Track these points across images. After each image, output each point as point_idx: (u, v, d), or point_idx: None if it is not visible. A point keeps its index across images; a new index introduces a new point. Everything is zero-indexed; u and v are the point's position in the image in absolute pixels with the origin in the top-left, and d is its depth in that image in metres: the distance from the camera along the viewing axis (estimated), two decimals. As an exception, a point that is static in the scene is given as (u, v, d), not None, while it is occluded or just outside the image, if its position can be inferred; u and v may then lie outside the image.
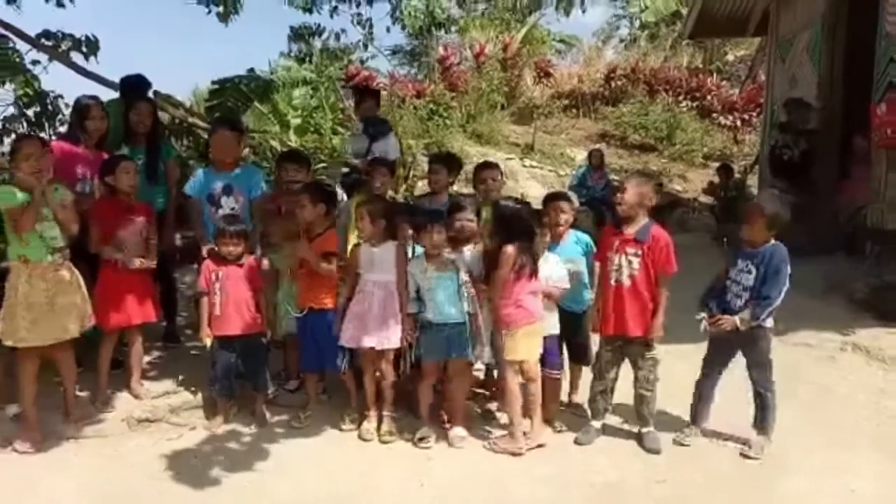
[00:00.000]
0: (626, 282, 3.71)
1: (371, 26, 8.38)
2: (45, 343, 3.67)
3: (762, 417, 3.71)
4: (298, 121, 9.46)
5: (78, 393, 4.04)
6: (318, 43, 10.46)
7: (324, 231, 4.04)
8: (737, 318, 3.58)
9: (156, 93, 6.33)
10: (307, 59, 10.82)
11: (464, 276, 3.82)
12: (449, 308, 3.81)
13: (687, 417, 3.91)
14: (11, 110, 5.92)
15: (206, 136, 7.11)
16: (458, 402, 3.96)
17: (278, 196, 4.52)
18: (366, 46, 9.50)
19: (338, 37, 8.93)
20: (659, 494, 3.35)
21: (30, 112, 5.91)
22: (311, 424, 4.00)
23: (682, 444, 3.76)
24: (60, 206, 3.71)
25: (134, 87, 5.07)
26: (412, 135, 10.68)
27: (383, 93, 10.05)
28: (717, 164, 11.22)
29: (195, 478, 3.43)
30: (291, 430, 3.94)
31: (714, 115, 13.93)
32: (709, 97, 14.14)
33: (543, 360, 3.89)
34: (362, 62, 12.56)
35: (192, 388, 4.34)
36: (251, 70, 9.41)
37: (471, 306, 3.82)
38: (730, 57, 17.02)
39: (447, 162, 4.76)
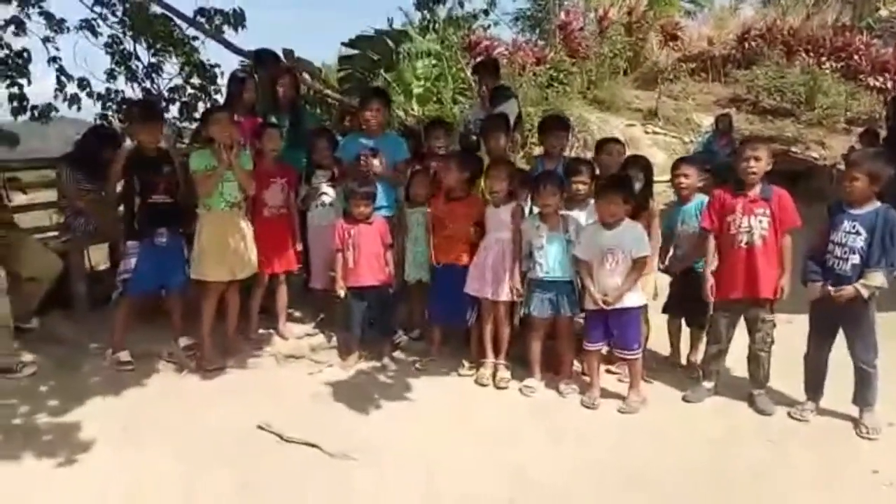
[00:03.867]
0: (759, 243, 3.71)
1: (495, -8, 8.51)
2: (220, 279, 4.31)
3: (862, 394, 3.59)
4: (421, 90, 9.79)
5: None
6: (442, 11, 10.71)
7: (465, 196, 4.39)
8: (860, 287, 3.46)
9: (297, 59, 6.90)
10: (431, 27, 11.10)
11: (574, 237, 4.01)
12: (558, 266, 4.02)
13: (799, 389, 3.85)
14: (177, 81, 6.71)
15: (336, 105, 7.66)
16: (567, 356, 4.19)
17: (427, 158, 4.91)
18: (486, 13, 9.63)
19: (462, 4, 9.13)
20: (770, 455, 3.41)
21: (192, 81, 6.68)
22: (432, 369, 4.39)
23: (799, 420, 3.71)
24: (242, 171, 4.32)
25: (266, 59, 5.59)
26: (531, 102, 10.70)
27: (503, 61, 10.16)
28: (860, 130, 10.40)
29: (334, 404, 3.92)
30: (415, 372, 4.34)
31: (861, 76, 12.79)
32: (856, 57, 12.99)
33: (616, 341, 3.96)
34: (485, 29, 12.67)
35: (328, 332, 4.86)
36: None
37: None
38: (883, 12, 15.41)
39: (567, 126, 4.91)
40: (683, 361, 4.45)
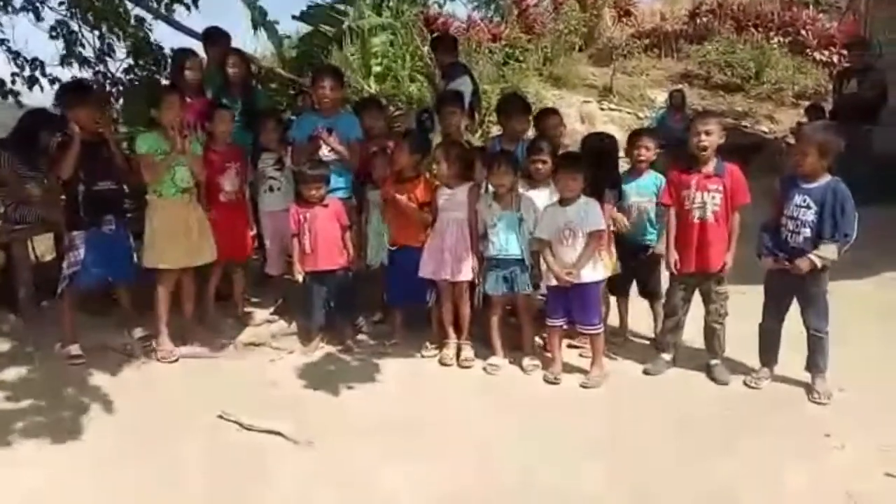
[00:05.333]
0: (711, 218, 3.78)
1: (450, -33, 8.36)
2: (174, 267, 4.18)
3: (814, 360, 3.70)
4: (379, 68, 9.63)
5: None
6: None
7: (415, 176, 4.33)
8: (814, 258, 3.52)
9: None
10: (385, 3, 10.88)
11: (527, 215, 4.02)
12: (510, 244, 4.03)
13: (754, 358, 3.94)
14: (125, 64, 6.39)
15: (290, 84, 7.47)
16: (527, 333, 4.21)
17: (384, 139, 4.81)
18: (448, -13, 9.47)
19: (415, -22, 8.98)
20: (727, 422, 3.49)
21: (140, 63, 6.39)
22: (395, 352, 4.36)
23: (753, 388, 3.80)
24: (194, 157, 4.20)
25: (216, 37, 5.37)
26: (488, 80, 10.64)
27: (459, 38, 10.06)
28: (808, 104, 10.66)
29: (296, 391, 3.87)
30: (378, 356, 4.30)
31: (808, 50, 13.11)
32: (803, 31, 13.29)
33: (577, 317, 3.97)
34: (440, 6, 12.51)
35: (288, 318, 4.78)
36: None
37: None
38: (829, -13, 15.80)
39: (529, 109, 4.83)
40: (626, 333, 4.53)
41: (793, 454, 3.16)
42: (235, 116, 4.87)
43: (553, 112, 4.80)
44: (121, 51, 6.63)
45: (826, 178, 3.57)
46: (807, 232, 3.57)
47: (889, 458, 3.09)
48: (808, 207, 3.56)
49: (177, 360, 4.21)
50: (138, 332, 4.43)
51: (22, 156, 4.84)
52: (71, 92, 4.54)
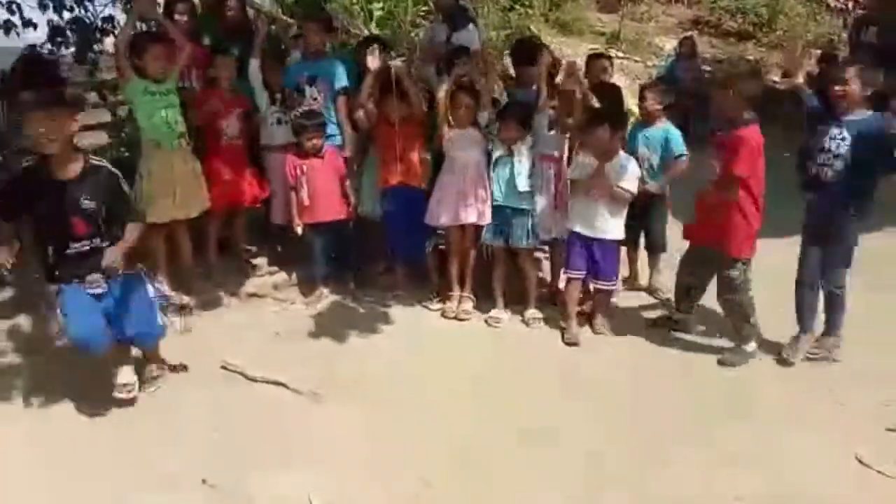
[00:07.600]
0: (709, 188, 3.59)
1: None
2: (169, 220, 4.08)
3: (827, 319, 3.66)
4: (381, 12, 9.37)
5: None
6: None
7: (409, 116, 4.18)
8: None
9: None
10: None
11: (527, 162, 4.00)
12: (513, 192, 3.99)
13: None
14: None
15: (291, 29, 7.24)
16: (529, 286, 4.19)
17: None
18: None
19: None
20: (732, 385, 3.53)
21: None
22: (398, 304, 4.34)
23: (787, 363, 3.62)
24: None
25: None
26: (493, 26, 10.37)
27: (464, -19, 9.75)
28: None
29: (299, 342, 3.88)
30: (381, 308, 4.29)
31: (823, -4, 12.72)
32: (819, -25, 12.86)
33: (596, 270, 3.92)
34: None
35: (290, 269, 4.74)
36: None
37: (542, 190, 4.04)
38: (847, -72, 15.19)
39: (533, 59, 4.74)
40: (643, 283, 4.57)
41: (796, 416, 3.19)
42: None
43: (599, 56, 4.66)
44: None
45: (870, 113, 3.47)
46: (839, 165, 3.44)
47: (891, 413, 3.14)
48: (844, 140, 3.42)
49: (178, 311, 4.17)
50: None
51: (17, 102, 4.73)
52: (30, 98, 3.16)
